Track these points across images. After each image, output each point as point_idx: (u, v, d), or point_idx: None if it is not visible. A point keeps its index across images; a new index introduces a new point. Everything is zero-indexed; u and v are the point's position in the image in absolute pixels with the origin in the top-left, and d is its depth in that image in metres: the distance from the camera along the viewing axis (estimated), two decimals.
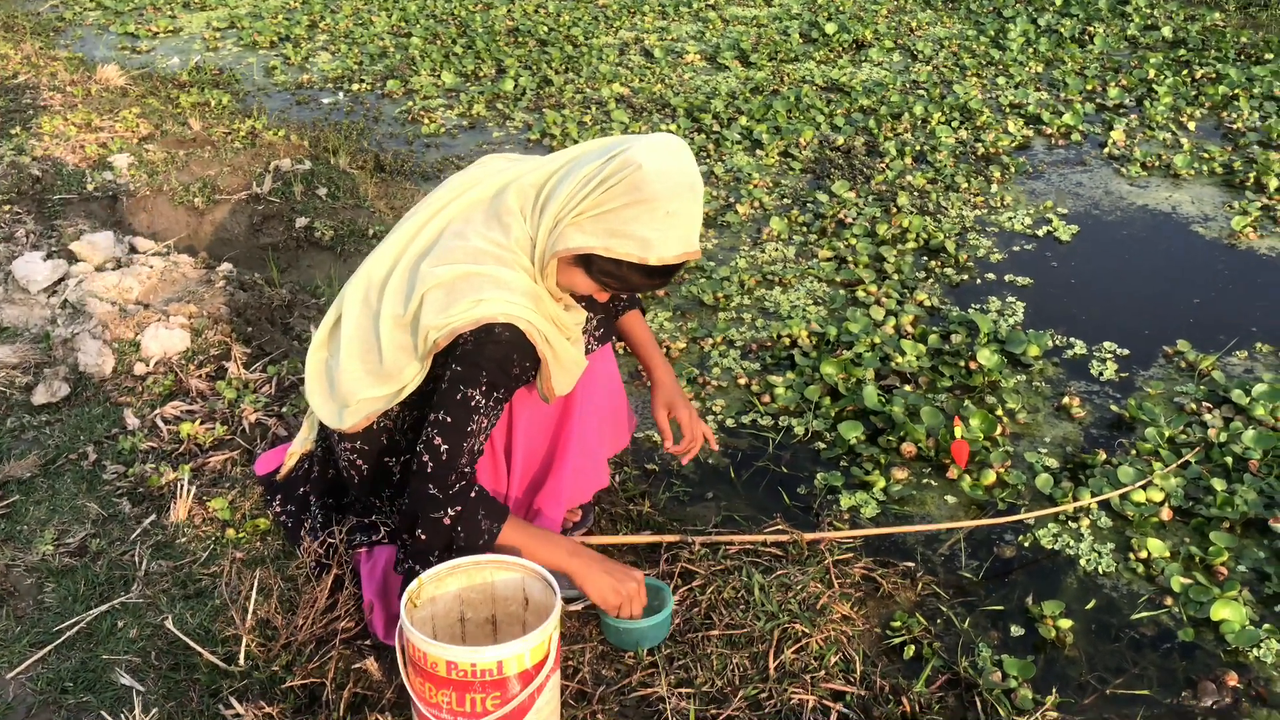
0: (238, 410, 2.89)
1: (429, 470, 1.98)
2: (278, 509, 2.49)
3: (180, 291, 3.46)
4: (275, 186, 4.24)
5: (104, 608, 2.29)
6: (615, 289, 2.04)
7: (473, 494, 2.00)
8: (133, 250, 3.71)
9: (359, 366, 2.11)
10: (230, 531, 2.48)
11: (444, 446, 1.97)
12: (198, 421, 2.85)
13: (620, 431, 2.47)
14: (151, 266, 3.53)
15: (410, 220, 2.16)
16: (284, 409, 2.91)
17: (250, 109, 5.35)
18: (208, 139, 4.74)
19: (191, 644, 2.16)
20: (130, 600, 2.31)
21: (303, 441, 2.46)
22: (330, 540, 2.21)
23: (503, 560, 1.99)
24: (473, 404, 1.98)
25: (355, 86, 5.78)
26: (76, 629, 2.24)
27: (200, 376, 3.05)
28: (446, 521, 1.98)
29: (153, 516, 2.54)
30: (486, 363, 1.97)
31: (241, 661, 2.10)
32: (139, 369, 3.08)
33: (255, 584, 2.23)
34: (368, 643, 2.17)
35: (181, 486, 2.58)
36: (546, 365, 2.06)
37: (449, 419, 1.98)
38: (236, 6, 7.32)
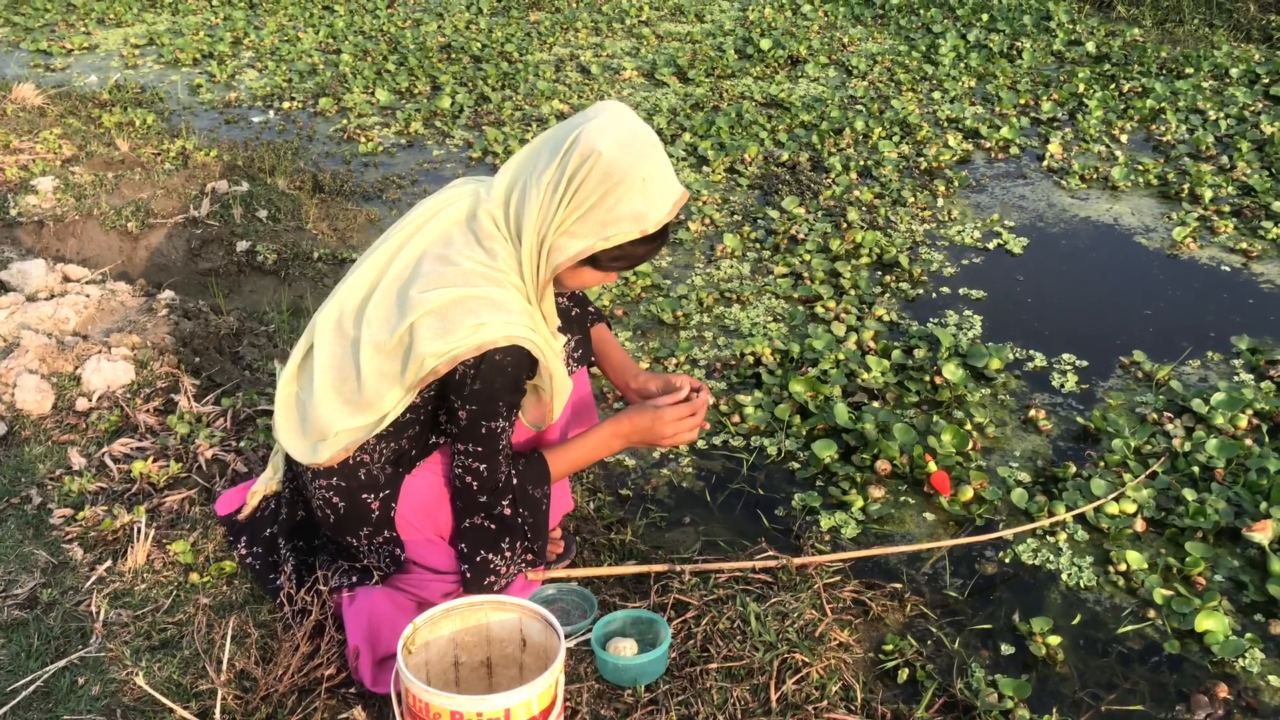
0: (192, 446, 2.75)
1: (475, 488, 2.04)
2: (243, 551, 2.37)
3: (120, 321, 3.30)
4: (213, 209, 4.09)
5: (61, 663, 2.15)
6: (625, 268, 2.04)
7: (515, 480, 2.07)
8: (65, 279, 3.53)
9: (334, 397, 2.02)
10: (194, 576, 2.35)
11: (483, 467, 2.03)
12: (150, 459, 2.70)
13: None
14: (88, 295, 3.36)
15: (383, 246, 2.08)
16: (242, 443, 2.78)
17: (178, 128, 5.16)
18: (137, 160, 4.55)
19: (163, 699, 2.03)
20: (90, 654, 2.17)
21: (266, 481, 2.36)
22: (315, 586, 2.10)
23: (499, 600, 1.92)
24: (498, 430, 2.02)
25: (286, 104, 5.62)
26: (33, 688, 2.10)
27: (148, 411, 2.90)
28: (507, 512, 2.07)
29: (108, 563, 2.40)
30: (500, 392, 1.96)
31: (218, 716, 1.99)
32: (81, 404, 2.92)
33: (228, 632, 2.11)
34: (353, 691, 2.07)
35: (139, 529, 2.45)
36: (550, 382, 2.05)
37: (480, 448, 2.02)
38: (154, 23, 7.09)
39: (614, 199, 1.90)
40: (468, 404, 1.96)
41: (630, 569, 2.39)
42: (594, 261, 1.98)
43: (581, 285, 2.06)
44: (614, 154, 1.89)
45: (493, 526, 2.08)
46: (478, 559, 2.08)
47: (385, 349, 1.97)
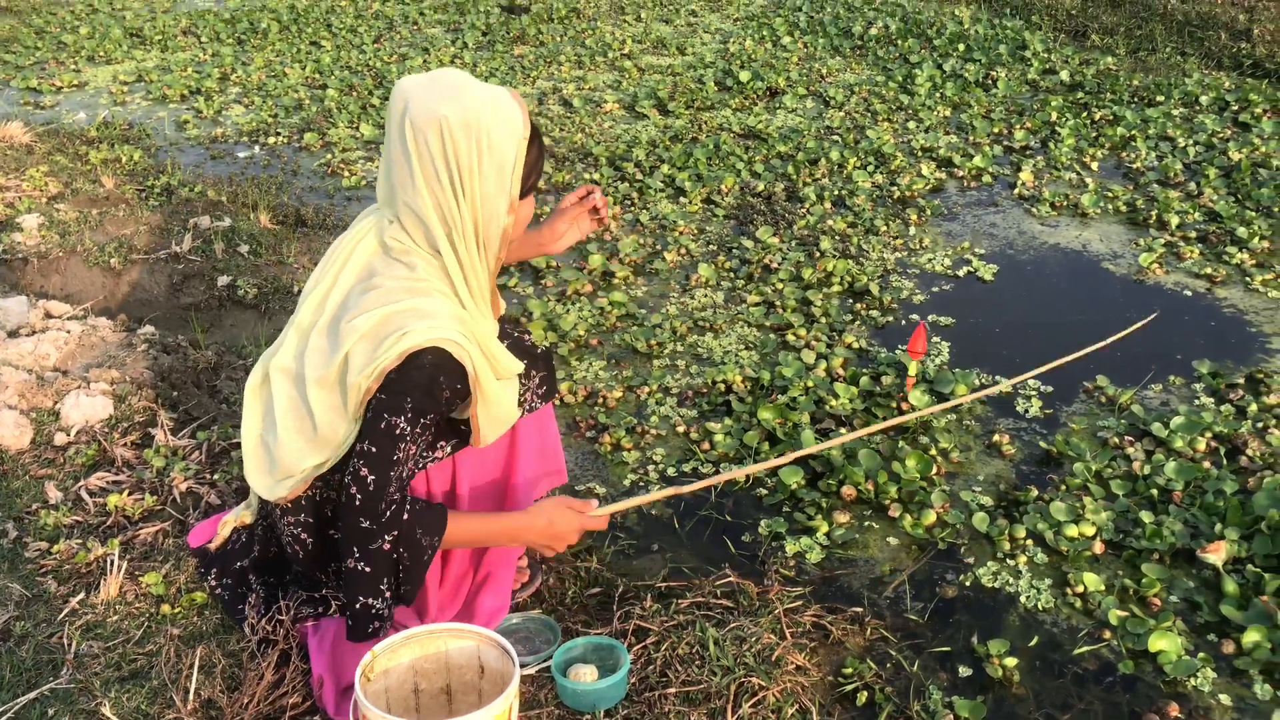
0: (167, 479, 2.80)
1: (358, 503, 1.92)
2: (213, 583, 2.42)
3: (100, 356, 3.36)
4: (195, 244, 4.15)
5: (32, 695, 2.19)
6: (536, 184, 2.09)
7: (405, 516, 1.95)
8: (47, 315, 3.59)
9: (298, 439, 2.07)
10: (165, 607, 2.39)
11: (370, 477, 1.92)
12: (125, 492, 2.75)
13: (549, 489, 2.49)
14: (69, 331, 3.42)
15: (315, 290, 2.11)
16: (215, 476, 2.83)
17: (164, 164, 5.23)
18: (121, 197, 4.62)
19: None
20: (60, 686, 2.21)
21: (238, 513, 2.40)
22: (277, 616, 2.15)
23: (458, 629, 1.96)
24: (397, 432, 1.93)
25: (271, 140, 5.70)
26: (3, 719, 2.14)
27: (125, 445, 2.95)
28: (386, 548, 1.93)
29: (81, 595, 2.44)
30: (411, 389, 1.93)
31: None
32: (59, 439, 2.97)
33: (196, 662, 2.15)
34: (317, 718, 2.11)
35: (111, 562, 2.49)
36: (475, 391, 2.01)
37: (374, 449, 1.92)
38: (144, 60, 7.18)
39: (485, 138, 1.94)
40: (379, 393, 1.93)
41: (663, 494, 2.37)
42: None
43: (521, 227, 2.12)
44: (452, 107, 1.93)
45: (368, 569, 1.93)
46: (358, 605, 1.96)
47: (327, 382, 2.01)
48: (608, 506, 2.27)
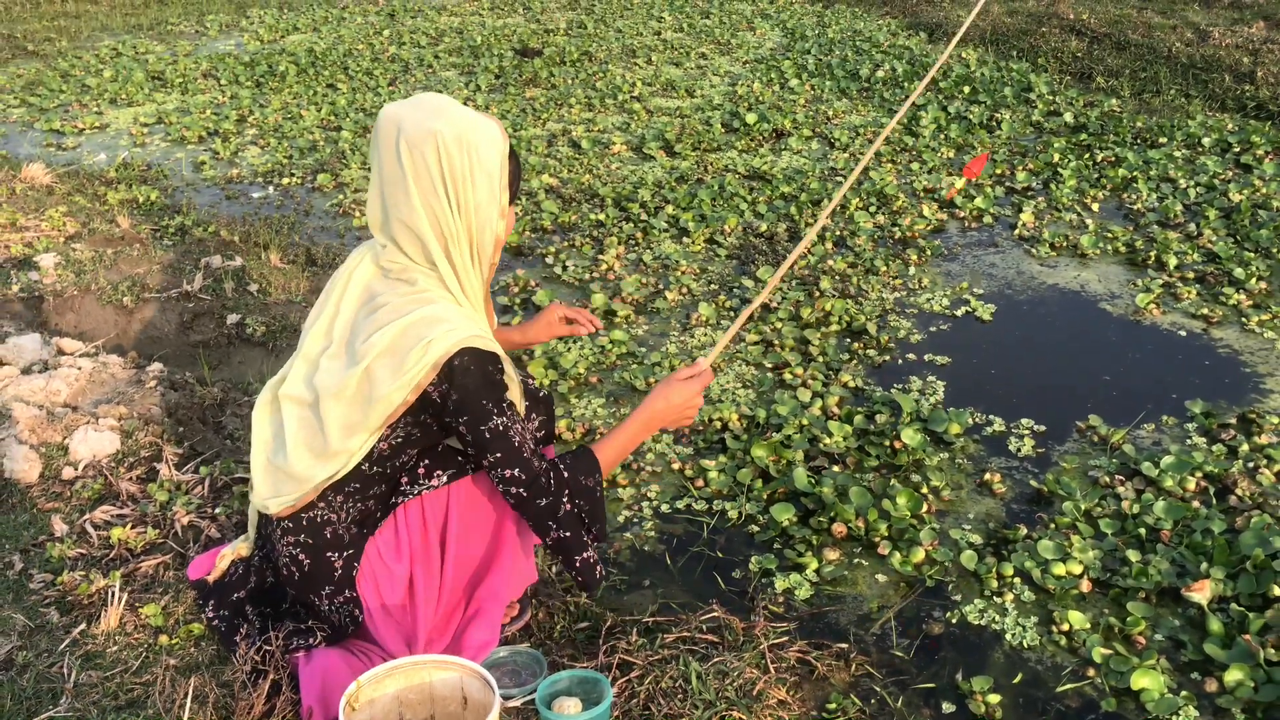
0: (170, 513, 2.87)
1: (526, 495, 2.11)
2: (210, 614, 2.47)
3: (110, 392, 3.44)
4: (206, 283, 4.25)
5: None
6: (516, 192, 2.21)
7: (565, 474, 2.16)
8: (60, 352, 3.68)
9: (307, 455, 2.16)
10: (164, 638, 2.45)
11: (516, 473, 2.10)
12: (129, 525, 2.82)
13: None
14: (80, 368, 3.50)
15: (319, 322, 2.21)
16: (218, 510, 2.89)
17: (179, 204, 5.36)
18: (136, 236, 4.73)
19: None
20: (58, 714, 2.26)
21: (236, 546, 2.46)
22: (266, 646, 2.20)
23: (442, 660, 2.01)
24: (501, 429, 2.08)
25: (285, 180, 5.83)
26: None
27: (131, 479, 3.02)
28: (569, 508, 2.16)
29: (82, 626, 2.50)
30: (477, 393, 2.06)
31: None
32: (67, 473, 3.04)
33: (190, 691, 2.20)
34: None
35: (113, 594, 2.55)
36: (510, 374, 2.17)
37: (499, 454, 2.09)
38: (164, 102, 7.35)
39: (475, 150, 2.08)
40: (459, 419, 2.07)
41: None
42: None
43: (507, 233, 2.22)
44: (443, 123, 2.06)
45: (569, 534, 2.17)
46: (578, 563, 2.20)
47: (344, 396, 2.09)
48: (707, 359, 2.45)
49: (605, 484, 2.35)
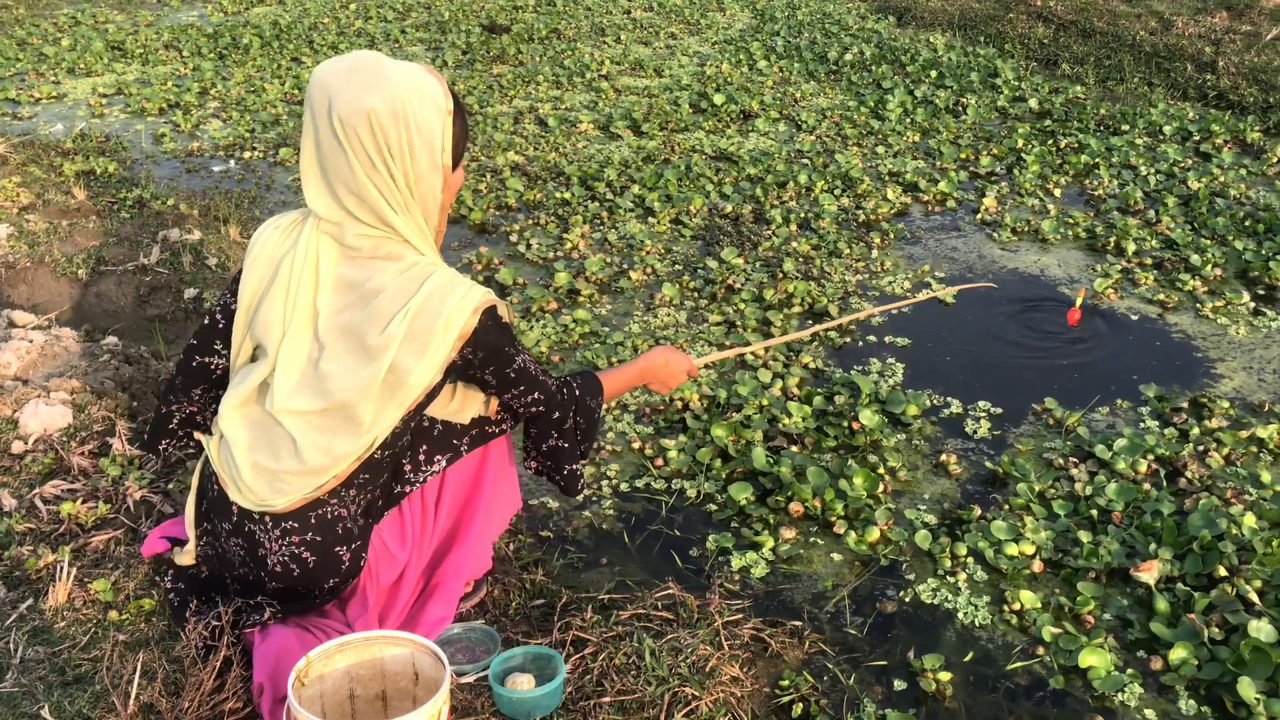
0: (122, 488, 2.83)
1: (544, 408, 2.30)
2: (168, 585, 2.43)
3: (62, 366, 3.39)
4: (163, 257, 4.19)
5: None
6: (463, 153, 2.18)
7: (577, 391, 2.37)
8: (11, 324, 3.62)
9: (326, 450, 2.09)
10: (113, 614, 2.42)
11: (536, 395, 2.27)
12: (79, 500, 2.78)
13: (508, 515, 2.54)
14: (31, 341, 3.45)
15: (293, 328, 2.10)
16: (170, 485, 2.86)
17: (138, 177, 5.28)
18: (92, 208, 4.66)
19: None
20: (4, 690, 2.24)
21: (186, 550, 2.39)
22: (216, 622, 2.18)
23: (393, 636, 2.00)
24: (522, 365, 2.21)
25: (247, 154, 5.75)
26: None
27: (83, 454, 2.98)
28: (572, 423, 2.37)
29: (29, 601, 2.47)
30: (503, 342, 2.15)
31: None
32: (17, 447, 2.99)
33: (138, 667, 2.18)
34: None
35: (61, 569, 2.52)
36: (509, 310, 2.24)
37: (522, 386, 2.24)
38: (124, 73, 7.23)
39: (413, 121, 2.02)
40: (484, 370, 2.17)
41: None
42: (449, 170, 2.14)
43: (453, 196, 2.20)
44: (376, 96, 1.99)
45: (566, 445, 2.37)
46: (565, 472, 2.39)
47: (373, 393, 2.04)
48: (704, 358, 2.91)
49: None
